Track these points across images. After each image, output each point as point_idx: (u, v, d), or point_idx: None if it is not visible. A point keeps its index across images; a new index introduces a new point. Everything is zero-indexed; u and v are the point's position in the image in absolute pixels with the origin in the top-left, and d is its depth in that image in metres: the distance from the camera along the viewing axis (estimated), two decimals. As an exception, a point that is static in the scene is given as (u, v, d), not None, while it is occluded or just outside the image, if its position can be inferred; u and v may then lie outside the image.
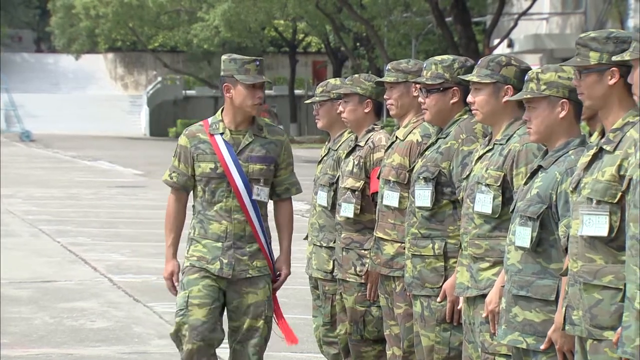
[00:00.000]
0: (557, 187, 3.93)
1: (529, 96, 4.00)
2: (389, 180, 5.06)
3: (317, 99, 5.77)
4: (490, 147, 4.43)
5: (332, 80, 5.83)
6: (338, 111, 5.61)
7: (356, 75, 5.59)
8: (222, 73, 5.29)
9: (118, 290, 10.14)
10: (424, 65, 4.86)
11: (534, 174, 4.03)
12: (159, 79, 53.66)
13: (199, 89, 52.34)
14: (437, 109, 4.77)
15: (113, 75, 57.97)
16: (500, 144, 4.39)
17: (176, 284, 5.30)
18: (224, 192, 5.24)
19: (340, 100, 5.60)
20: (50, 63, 59.77)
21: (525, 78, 4.06)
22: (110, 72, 58.07)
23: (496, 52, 30.80)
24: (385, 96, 5.26)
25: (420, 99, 4.90)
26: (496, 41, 29.71)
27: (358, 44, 40.85)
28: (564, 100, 4.00)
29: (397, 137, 5.16)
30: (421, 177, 4.76)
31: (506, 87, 4.40)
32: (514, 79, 4.42)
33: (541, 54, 32.74)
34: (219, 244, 5.23)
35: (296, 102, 48.09)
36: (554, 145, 4.01)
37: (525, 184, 4.05)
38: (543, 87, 4.00)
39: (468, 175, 4.46)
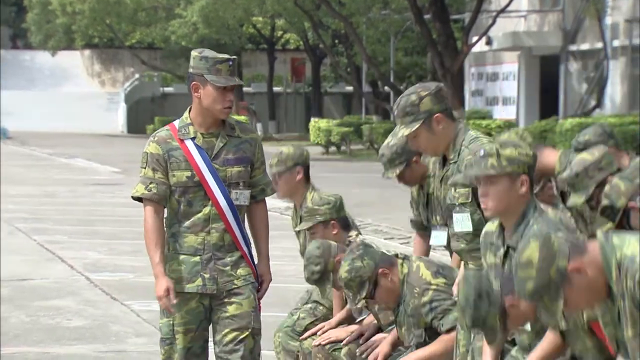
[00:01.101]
0: None
1: (493, 173, 3.98)
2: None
3: (274, 170, 5.76)
4: (447, 167, 4.53)
5: (284, 149, 5.85)
6: (298, 178, 5.72)
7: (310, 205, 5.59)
8: (190, 70, 4.87)
9: (95, 288, 10.06)
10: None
11: (505, 254, 4.02)
12: (137, 75, 53.46)
13: (176, 86, 52.16)
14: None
15: (90, 72, 57.69)
16: (454, 162, 4.48)
17: (174, 300, 4.77)
18: (201, 201, 4.81)
19: (297, 167, 5.72)
20: (26, 60, 59.41)
21: (481, 153, 4.02)
22: (87, 69, 57.79)
23: (474, 49, 30.85)
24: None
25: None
26: (474, 38, 29.74)
27: (337, 41, 40.81)
28: (524, 176, 4.00)
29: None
30: (413, 344, 4.81)
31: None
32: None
33: (519, 51, 32.81)
34: (197, 258, 4.82)
35: (275, 100, 48.02)
36: (511, 219, 4.00)
37: (502, 265, 4.04)
38: (504, 163, 3.99)
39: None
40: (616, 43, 28.84)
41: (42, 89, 55.51)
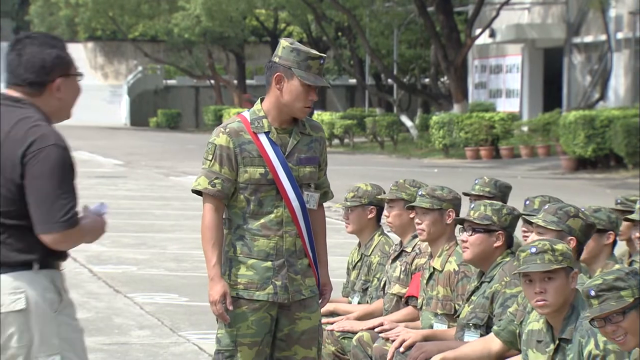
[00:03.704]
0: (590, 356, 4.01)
1: (554, 267, 4.06)
2: (437, 314, 5.12)
3: (349, 204, 5.72)
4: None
5: (362, 185, 5.78)
6: (369, 216, 5.67)
7: (400, 181, 5.60)
8: (276, 59, 4.43)
9: (98, 281, 10.05)
10: (472, 206, 4.89)
11: (556, 349, 4.11)
12: (140, 68, 53.45)
13: (179, 78, 52.15)
14: (480, 249, 4.78)
15: (93, 65, 57.69)
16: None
17: (230, 307, 4.39)
18: (273, 201, 4.41)
19: (371, 206, 5.67)
20: (29, 52, 59.35)
21: (533, 250, 4.09)
22: (90, 62, 57.78)
23: (478, 42, 30.82)
24: (416, 220, 5.19)
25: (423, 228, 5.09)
26: (478, 31, 29.69)
27: (340, 33, 40.76)
28: (575, 270, 4.14)
29: (434, 268, 5.17)
30: (471, 324, 4.82)
31: (569, 238, 4.44)
32: (579, 232, 4.49)
33: (523, 43, 32.76)
34: (269, 264, 4.41)
35: (277, 92, 47.91)
36: (561, 314, 4.10)
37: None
38: (560, 257, 4.09)
39: (522, 322, 4.46)
40: (620, 35, 28.78)
41: (45, 82, 55.47)
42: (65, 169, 3.59)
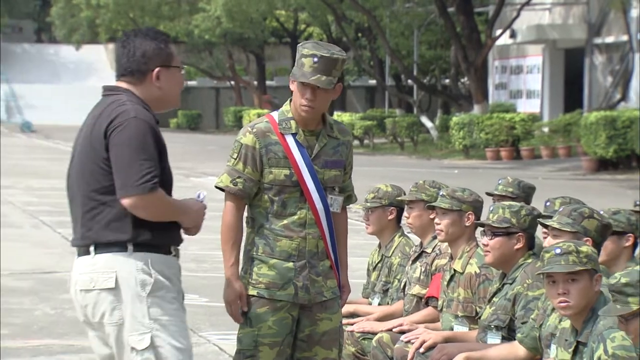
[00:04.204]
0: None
1: (578, 268, 4.06)
2: (458, 316, 5.12)
3: (369, 205, 5.73)
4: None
5: (382, 186, 5.79)
6: (389, 218, 5.68)
7: (420, 182, 5.60)
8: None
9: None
10: (491, 209, 4.88)
11: (575, 350, 4.12)
12: (160, 69, 53.54)
13: (200, 79, 52.26)
14: (501, 252, 4.79)
15: (114, 66, 57.81)
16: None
17: (244, 308, 4.40)
18: (297, 202, 4.40)
19: (391, 207, 5.67)
20: (50, 54, 59.71)
21: (557, 251, 4.09)
22: (111, 63, 57.96)
23: (498, 42, 30.72)
24: (436, 220, 5.20)
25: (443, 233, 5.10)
26: (498, 31, 29.61)
27: (360, 34, 40.75)
28: (599, 273, 4.14)
29: (455, 270, 5.16)
30: (492, 326, 4.82)
31: (585, 239, 4.43)
32: (594, 233, 4.48)
33: (544, 44, 32.64)
34: (290, 264, 4.41)
35: (297, 93, 47.95)
36: (582, 317, 4.10)
37: None
38: (585, 259, 4.08)
39: (541, 325, 4.48)
40: (641, 36, 28.64)
41: (66, 83, 55.78)
42: (145, 139, 3.82)
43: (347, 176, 4.59)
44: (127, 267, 3.82)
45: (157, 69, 3.94)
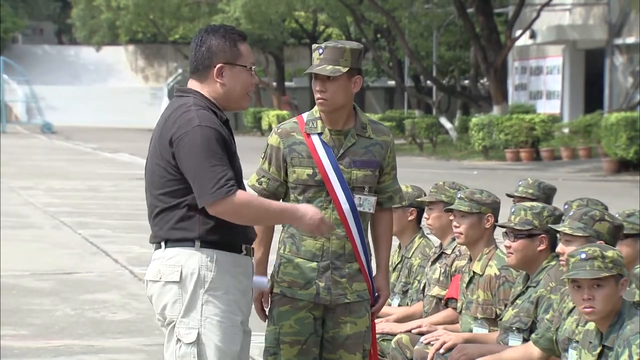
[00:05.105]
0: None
1: (604, 275, 4.02)
2: (477, 318, 5.10)
3: None
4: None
5: (402, 187, 5.77)
6: (409, 218, 5.68)
7: (440, 183, 5.59)
8: None
9: (139, 282, 10.11)
10: (512, 210, 4.85)
11: (600, 354, 4.10)
12: (180, 70, 53.76)
13: (219, 80, 52.32)
14: (524, 254, 4.76)
15: (134, 67, 58.10)
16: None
17: (266, 307, 4.46)
18: (322, 202, 4.38)
19: (412, 208, 5.67)
20: (71, 55, 59.96)
21: (582, 256, 4.05)
22: (131, 64, 58.22)
23: (518, 43, 30.63)
24: (454, 223, 5.18)
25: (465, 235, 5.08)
26: (518, 32, 29.53)
27: (379, 35, 40.73)
28: (625, 278, 4.11)
29: (474, 272, 5.14)
30: (514, 328, 4.80)
31: (598, 242, 4.38)
32: (607, 235, 4.45)
33: (564, 45, 32.52)
34: (314, 264, 4.41)
35: (317, 94, 47.97)
36: (608, 321, 4.07)
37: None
38: (610, 265, 4.05)
39: (558, 328, 4.46)
40: (662, 36, 28.50)
41: (87, 84, 56.01)
42: (211, 146, 3.82)
43: (388, 177, 4.52)
44: (191, 263, 3.88)
45: (219, 65, 3.92)
